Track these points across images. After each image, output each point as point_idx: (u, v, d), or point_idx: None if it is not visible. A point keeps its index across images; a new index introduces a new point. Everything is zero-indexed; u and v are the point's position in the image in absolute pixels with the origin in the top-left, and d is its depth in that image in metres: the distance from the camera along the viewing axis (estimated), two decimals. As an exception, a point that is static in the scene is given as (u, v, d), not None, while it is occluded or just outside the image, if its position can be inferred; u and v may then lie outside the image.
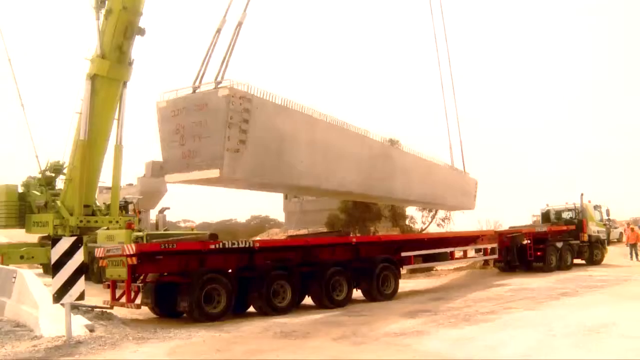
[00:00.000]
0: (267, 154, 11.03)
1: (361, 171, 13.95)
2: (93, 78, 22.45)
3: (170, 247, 11.93)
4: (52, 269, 9.35)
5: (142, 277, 12.26)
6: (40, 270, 24.10)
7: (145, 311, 12.74)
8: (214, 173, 10.17)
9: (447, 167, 19.28)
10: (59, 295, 9.20)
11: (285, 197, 67.70)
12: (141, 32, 22.64)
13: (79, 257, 9.40)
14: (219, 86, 10.43)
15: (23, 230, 25.74)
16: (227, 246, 12.53)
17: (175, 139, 10.64)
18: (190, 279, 11.69)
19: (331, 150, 12.83)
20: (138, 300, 12.10)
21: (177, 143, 10.62)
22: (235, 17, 11.01)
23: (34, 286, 11.49)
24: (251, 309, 12.85)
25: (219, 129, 10.10)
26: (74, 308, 10.47)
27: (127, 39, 22.35)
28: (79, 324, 9.89)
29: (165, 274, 12.37)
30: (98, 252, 12.84)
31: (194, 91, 10.74)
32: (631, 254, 27.06)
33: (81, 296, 9.44)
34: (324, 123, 12.72)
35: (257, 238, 38.70)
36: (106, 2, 22.14)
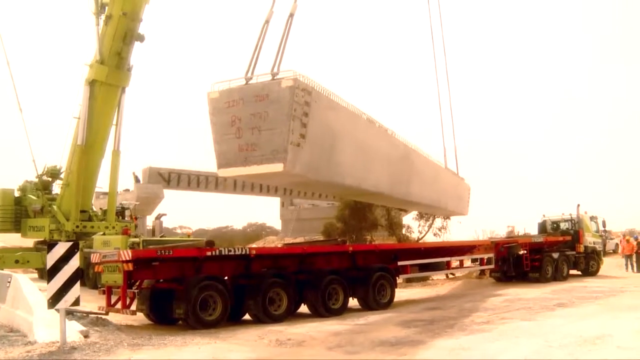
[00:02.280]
0: (320, 151, 10.56)
1: (390, 172, 13.58)
2: (92, 83, 22.50)
3: (166, 253, 11.90)
4: (48, 274, 9.31)
5: (137, 283, 12.23)
6: (36, 275, 24.04)
7: (140, 317, 12.69)
8: (277, 167, 9.64)
9: (449, 171, 19.15)
10: (54, 301, 9.15)
11: (282, 205, 67.78)
12: (140, 38, 22.71)
13: (75, 263, 9.36)
14: (282, 77, 9.93)
15: (19, 235, 25.67)
16: (223, 253, 12.52)
17: (230, 131, 10.03)
18: (186, 285, 11.65)
19: (368, 150, 12.44)
20: (133, 307, 12.06)
21: (232, 136, 10.01)
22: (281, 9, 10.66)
23: (28, 291, 11.44)
24: (247, 316, 12.82)
25: (282, 121, 9.59)
26: (69, 314, 10.44)
27: (126, 45, 22.43)
28: (74, 330, 9.85)
29: (161, 280, 12.33)
30: (94, 258, 12.81)
31: (247, 82, 10.22)
32: (627, 265, 27.09)
33: (76, 302, 9.39)
34: (363, 121, 12.32)
35: (254, 245, 38.63)
36: (106, 7, 22.23)
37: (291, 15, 10.50)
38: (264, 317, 12.31)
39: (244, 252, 12.99)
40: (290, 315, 12.96)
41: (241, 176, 10.43)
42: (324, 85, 10.63)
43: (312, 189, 14.63)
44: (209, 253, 12.30)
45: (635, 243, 27.09)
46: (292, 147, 9.63)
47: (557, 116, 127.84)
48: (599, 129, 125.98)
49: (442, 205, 19.11)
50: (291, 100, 9.58)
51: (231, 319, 12.25)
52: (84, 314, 11.93)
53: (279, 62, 10.18)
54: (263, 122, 9.74)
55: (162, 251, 11.96)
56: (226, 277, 12.69)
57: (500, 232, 32.84)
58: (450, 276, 23.80)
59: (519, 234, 26.40)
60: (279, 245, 37.94)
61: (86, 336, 9.80)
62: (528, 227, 27.04)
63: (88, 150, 22.67)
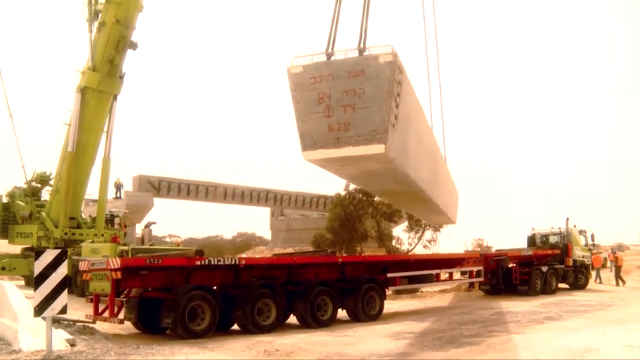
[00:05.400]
0: (404, 136, 9.76)
1: (430, 169, 12.92)
2: (83, 90, 22.41)
3: (155, 262, 11.84)
4: (35, 281, 9.23)
5: (126, 292, 12.13)
6: (22, 282, 23.78)
7: (128, 326, 12.59)
8: (377, 149, 8.67)
9: (450, 174, 18.80)
10: (40, 309, 9.06)
11: (272, 215, 67.62)
12: (133, 45, 22.69)
13: (62, 270, 9.28)
14: (378, 52, 9.04)
15: (6, 241, 25.41)
16: (212, 263, 12.47)
17: (317, 109, 9.07)
18: (175, 295, 11.58)
19: (420, 143, 11.67)
20: (121, 315, 11.95)
21: (320, 114, 9.04)
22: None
23: (14, 298, 11.34)
24: (235, 326, 12.75)
25: (381, 99, 8.75)
26: (55, 322, 10.33)
27: (118, 52, 22.39)
28: (60, 338, 9.75)
29: (150, 289, 12.26)
30: (82, 266, 12.72)
31: (328, 58, 9.40)
32: (596, 277, 27.58)
33: (63, 310, 9.30)
34: (422, 111, 11.62)
35: (243, 255, 38.49)
36: (99, 14, 22.22)
37: None
38: (252, 328, 12.25)
39: (233, 262, 12.95)
40: (279, 325, 12.91)
41: (330, 159, 9.34)
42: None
43: (369, 183, 12.94)
44: (198, 262, 12.24)
45: (614, 257, 27.75)
46: (391, 128, 8.83)
47: (548, 129, 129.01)
48: (589, 141, 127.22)
49: (445, 210, 18.75)
50: (391, 77, 8.74)
51: (219, 329, 12.18)
52: (71, 323, 11.83)
53: (364, 38, 9.40)
54: (358, 99, 8.86)
55: (151, 260, 11.90)
56: (215, 287, 12.63)
57: (493, 245, 33.03)
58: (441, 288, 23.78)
59: (487, 248, 26.63)
60: (269, 256, 37.81)
61: (73, 345, 9.70)
62: (498, 241, 27.21)
63: (78, 157, 22.53)
